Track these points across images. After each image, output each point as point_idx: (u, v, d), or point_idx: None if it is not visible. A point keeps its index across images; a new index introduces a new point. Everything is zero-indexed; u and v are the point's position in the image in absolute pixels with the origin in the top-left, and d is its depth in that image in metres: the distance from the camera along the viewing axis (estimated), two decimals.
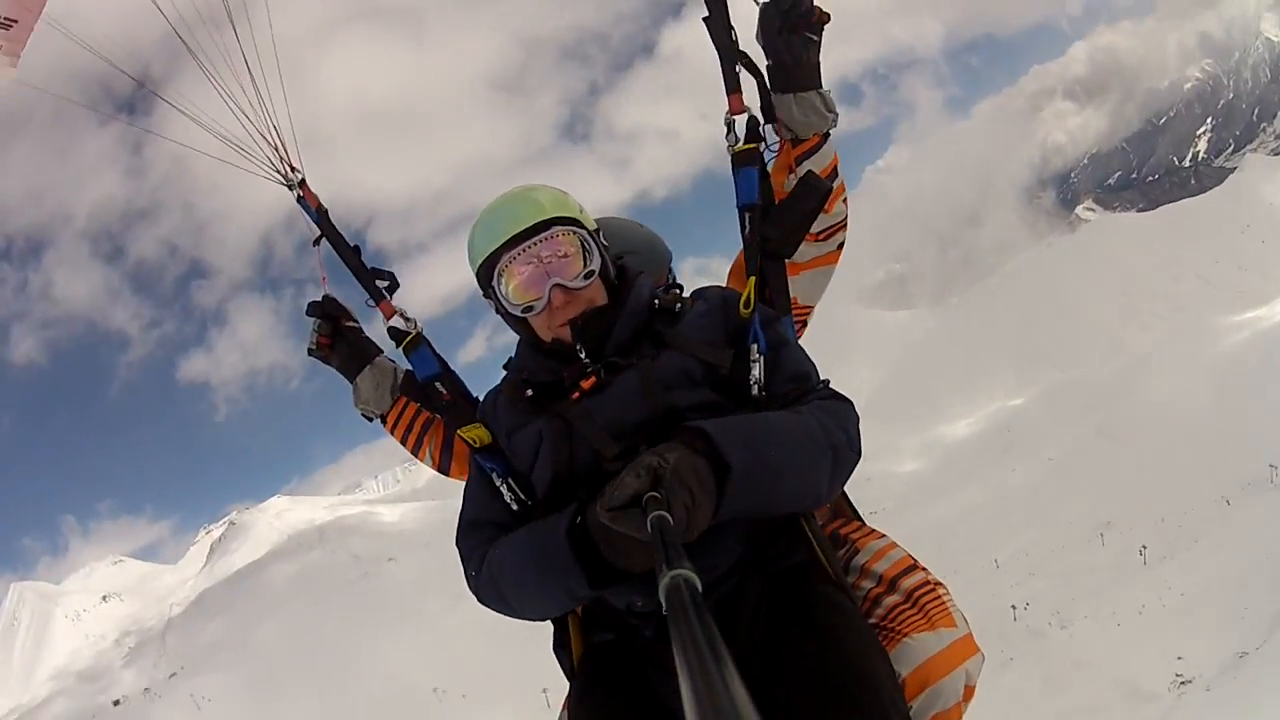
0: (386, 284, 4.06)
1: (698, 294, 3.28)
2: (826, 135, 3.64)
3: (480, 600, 3.03)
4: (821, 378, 3.12)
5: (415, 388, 3.94)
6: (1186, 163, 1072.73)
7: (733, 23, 3.54)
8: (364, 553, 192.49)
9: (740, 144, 3.47)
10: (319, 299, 4.23)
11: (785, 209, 3.44)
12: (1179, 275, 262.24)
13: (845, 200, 3.78)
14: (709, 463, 2.47)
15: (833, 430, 2.77)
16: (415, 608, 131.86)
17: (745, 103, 3.53)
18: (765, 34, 3.55)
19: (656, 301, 3.17)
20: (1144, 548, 72.66)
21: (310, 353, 4.25)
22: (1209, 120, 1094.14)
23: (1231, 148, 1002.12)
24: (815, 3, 3.53)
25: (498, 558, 2.91)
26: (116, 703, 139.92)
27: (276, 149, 4.05)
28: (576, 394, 2.97)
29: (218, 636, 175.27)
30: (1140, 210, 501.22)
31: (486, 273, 3.05)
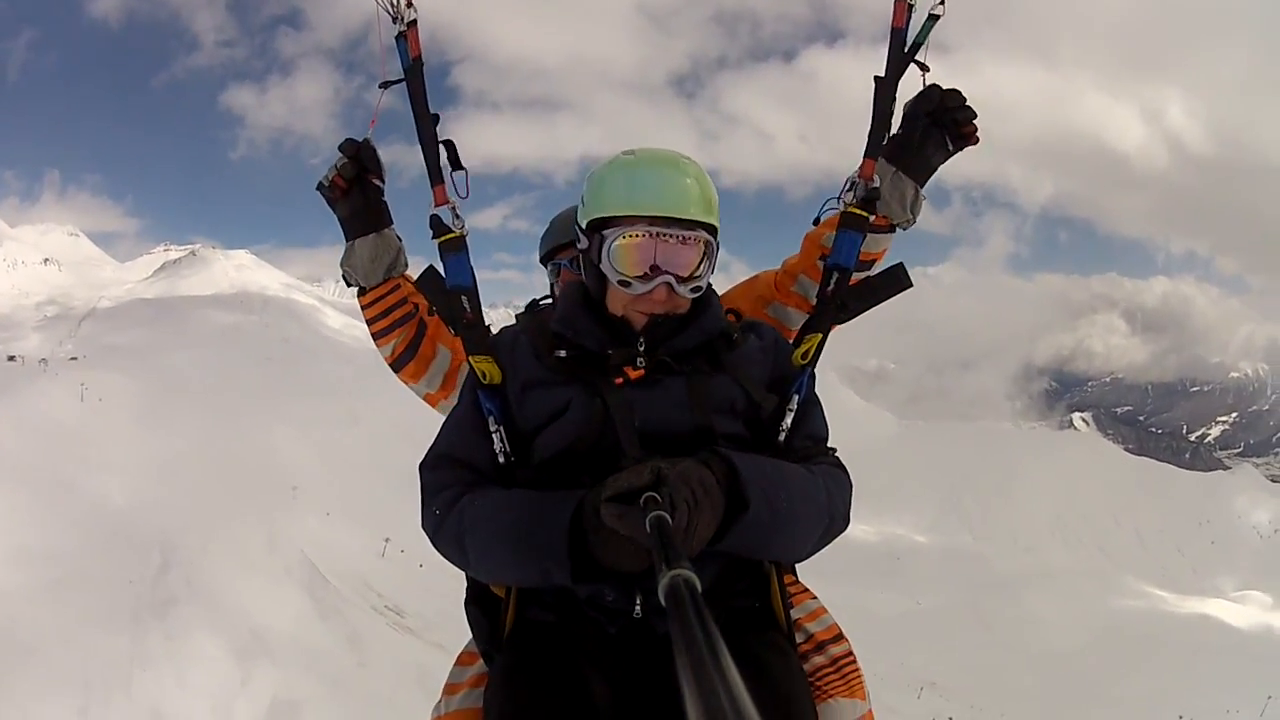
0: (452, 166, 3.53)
1: (750, 327, 3.17)
2: (893, 229, 3.67)
3: (433, 542, 2.95)
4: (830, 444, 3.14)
5: (437, 289, 3.41)
6: (1192, 438, 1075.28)
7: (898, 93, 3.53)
8: (295, 340, 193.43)
9: (855, 205, 3.39)
10: (357, 138, 3.91)
11: (871, 288, 3.42)
12: (1123, 524, 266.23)
13: None
14: (721, 485, 2.49)
15: (835, 500, 2.83)
16: (313, 412, 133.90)
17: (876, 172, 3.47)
18: (915, 108, 3.55)
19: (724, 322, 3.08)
20: (950, 718, 76.47)
21: (320, 188, 3.98)
22: (1233, 415, 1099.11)
23: (1240, 449, 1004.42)
24: (974, 123, 3.56)
25: (475, 511, 2.80)
26: (11, 359, 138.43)
27: None
28: (620, 379, 2.86)
29: (130, 343, 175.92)
30: (1126, 449, 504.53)
31: (608, 222, 2.86)
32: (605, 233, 2.82)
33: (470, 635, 3.16)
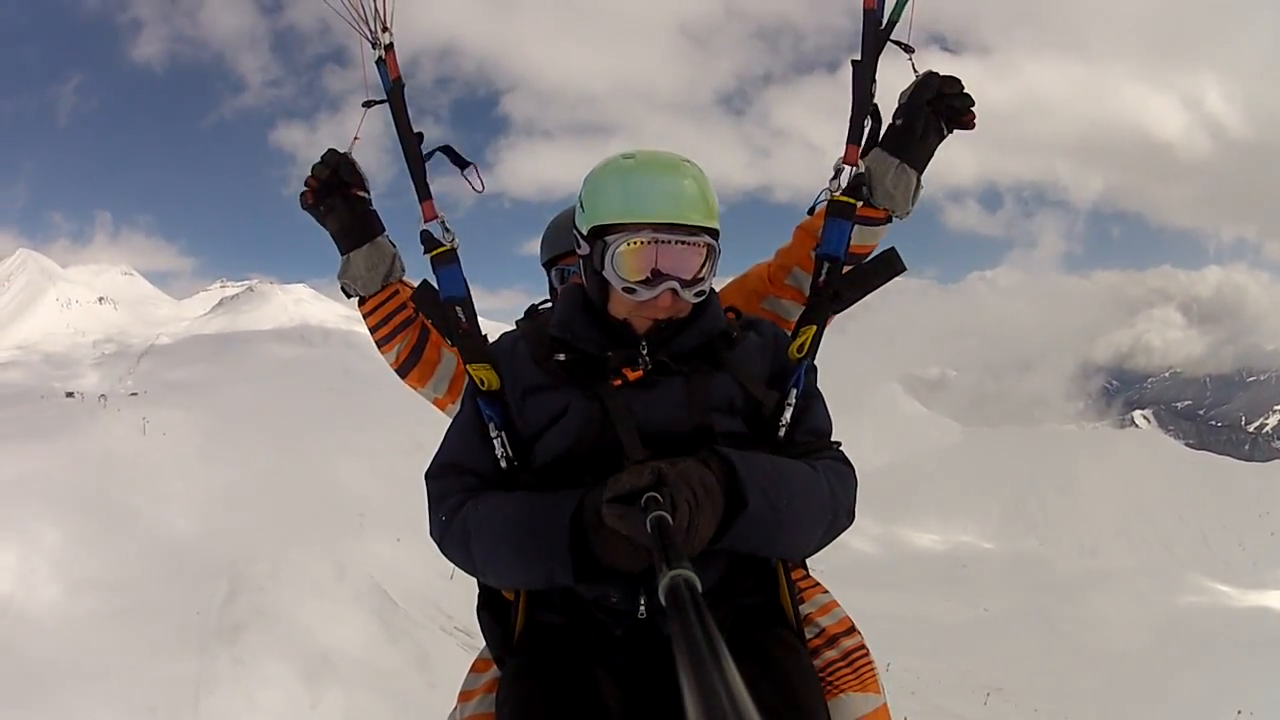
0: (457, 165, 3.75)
1: (750, 324, 3.19)
2: (890, 219, 3.65)
3: (442, 550, 2.98)
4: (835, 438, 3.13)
5: (431, 302, 3.49)
6: (1251, 428, 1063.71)
7: (877, 77, 3.55)
8: (356, 371, 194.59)
9: (841, 193, 3.41)
10: (340, 150, 4.02)
11: (864, 275, 3.43)
12: (1185, 520, 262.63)
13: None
14: (720, 483, 2.50)
15: (839, 495, 2.82)
16: (377, 441, 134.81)
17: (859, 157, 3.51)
18: (914, 97, 3.54)
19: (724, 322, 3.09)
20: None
21: (303, 204, 4.10)
22: None
23: None
24: (972, 109, 3.58)
25: (479, 515, 2.83)
26: (70, 395, 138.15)
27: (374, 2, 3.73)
28: (619, 381, 2.85)
29: (190, 379, 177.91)
30: (1187, 444, 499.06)
31: (610, 228, 2.83)
32: (608, 239, 2.82)
33: (485, 643, 3.22)
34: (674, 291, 2.77)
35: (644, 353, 2.85)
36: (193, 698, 37.27)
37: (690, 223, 2.73)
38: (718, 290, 3.45)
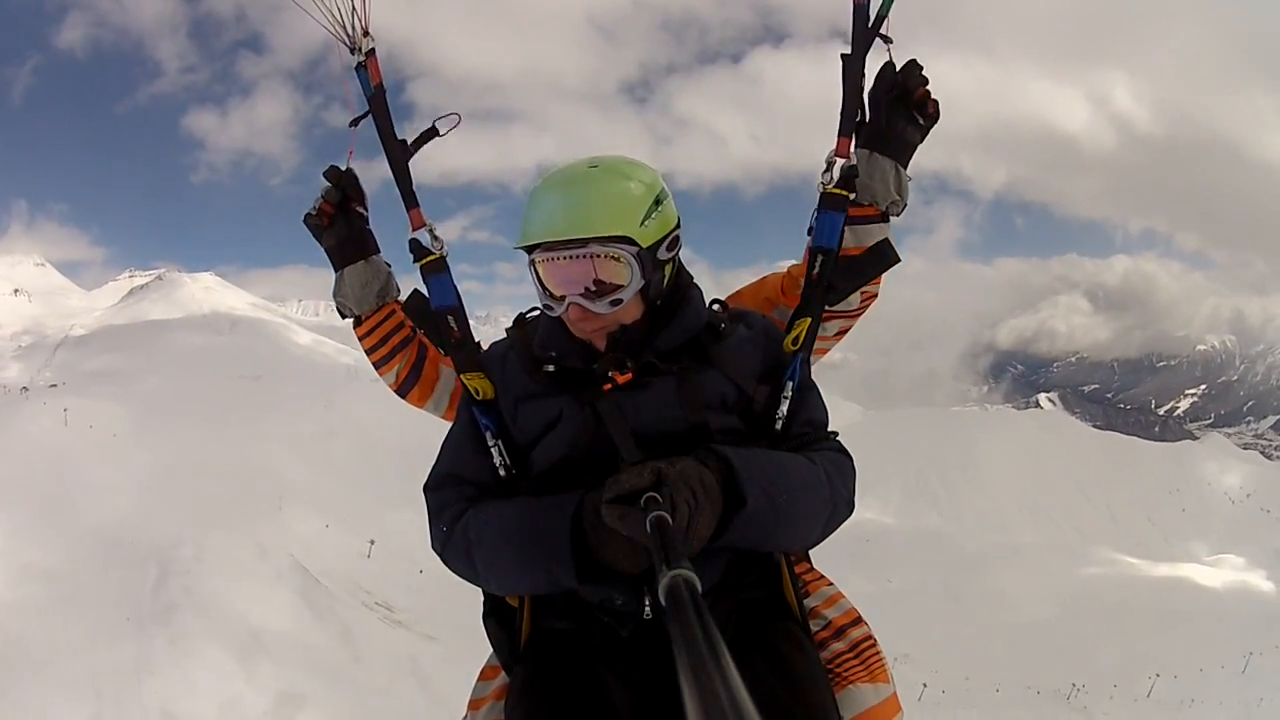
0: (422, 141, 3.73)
1: (739, 317, 3.15)
2: (885, 217, 3.56)
3: (444, 560, 2.96)
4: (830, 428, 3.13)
5: (422, 313, 3.53)
6: (1161, 411, 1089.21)
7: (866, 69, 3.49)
8: (267, 359, 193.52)
9: (833, 186, 3.35)
10: (341, 167, 3.94)
11: (857, 266, 3.38)
12: (1091, 498, 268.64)
13: (873, 298, 3.72)
14: (718, 481, 2.49)
15: (838, 485, 2.82)
16: (292, 427, 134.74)
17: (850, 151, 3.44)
18: (874, 91, 3.50)
19: (706, 316, 3.05)
20: (924, 684, 78.58)
21: (307, 219, 3.99)
22: (1203, 386, 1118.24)
23: (1210, 420, 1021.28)
24: (932, 95, 3.51)
25: (479, 524, 2.83)
26: None
27: (353, 1, 3.64)
28: (608, 385, 2.83)
29: (106, 369, 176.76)
30: (1094, 426, 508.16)
31: (528, 250, 2.87)
32: (529, 261, 2.90)
33: (491, 649, 3.25)
34: (580, 306, 2.80)
35: (627, 361, 2.87)
36: (134, 680, 38.47)
37: (571, 236, 2.72)
38: (736, 292, 3.85)
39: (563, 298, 2.80)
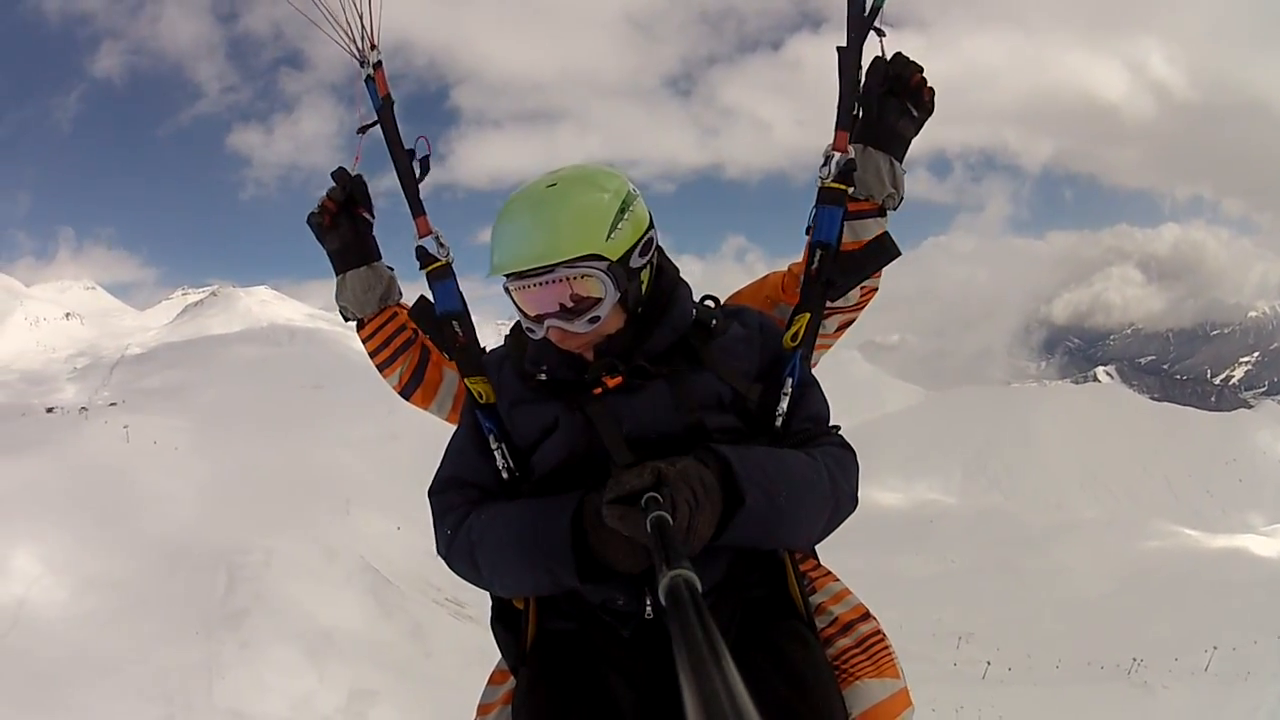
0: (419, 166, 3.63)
1: (734, 314, 3.09)
2: (883, 211, 3.46)
3: (449, 564, 2.94)
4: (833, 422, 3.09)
5: (428, 318, 3.48)
6: (1216, 380, 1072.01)
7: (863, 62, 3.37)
8: (326, 368, 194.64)
9: (831, 180, 3.24)
10: (350, 170, 3.90)
11: (856, 261, 3.32)
12: (1149, 470, 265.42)
13: (873, 293, 3.65)
14: (719, 480, 2.47)
15: (840, 481, 2.78)
16: (354, 432, 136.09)
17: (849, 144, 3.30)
18: (866, 85, 3.38)
19: (694, 314, 2.97)
20: (988, 663, 78.88)
21: (310, 220, 3.98)
22: (1255, 354, 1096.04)
23: (1265, 389, 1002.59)
24: (927, 84, 3.43)
25: (482, 525, 2.81)
26: (50, 410, 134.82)
27: (361, 17, 3.65)
28: (599, 389, 2.80)
29: (165, 385, 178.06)
30: (1152, 398, 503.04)
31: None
32: (504, 288, 2.86)
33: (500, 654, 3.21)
34: (559, 328, 2.78)
35: (618, 366, 2.84)
36: (205, 683, 39.35)
37: (536, 265, 2.69)
38: (737, 291, 3.77)
39: (541, 320, 2.79)
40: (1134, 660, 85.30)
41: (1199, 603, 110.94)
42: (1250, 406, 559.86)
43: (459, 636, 47.63)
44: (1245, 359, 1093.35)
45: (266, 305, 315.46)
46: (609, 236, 2.72)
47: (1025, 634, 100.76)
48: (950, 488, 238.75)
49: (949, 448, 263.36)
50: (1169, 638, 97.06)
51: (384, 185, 3.98)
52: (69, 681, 37.76)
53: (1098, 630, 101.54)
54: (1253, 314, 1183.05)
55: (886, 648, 2.96)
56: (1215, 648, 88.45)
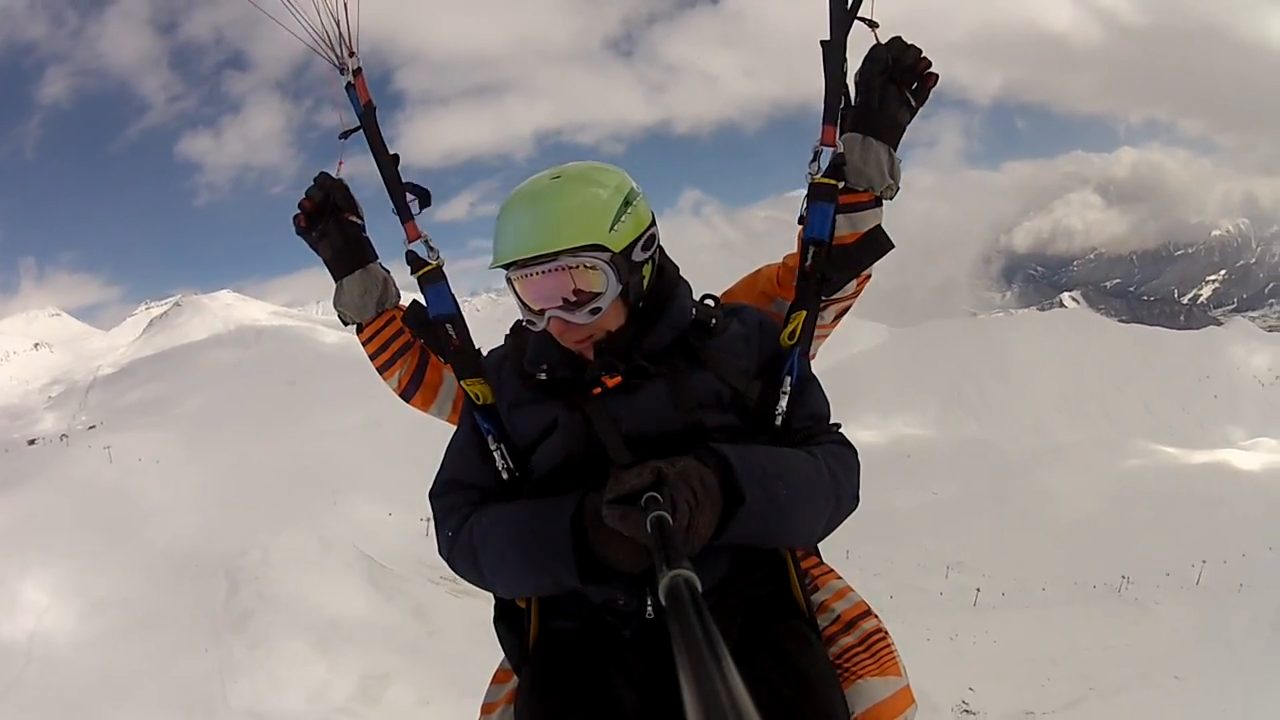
0: (416, 200, 3.60)
1: (733, 312, 3.08)
2: (879, 202, 3.41)
3: (452, 566, 2.96)
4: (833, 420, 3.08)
5: (421, 322, 3.43)
6: (1184, 300, 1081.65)
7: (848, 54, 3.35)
8: (298, 364, 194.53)
9: (821, 175, 3.23)
10: (332, 175, 3.84)
11: (850, 256, 3.29)
12: (1125, 391, 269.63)
13: (868, 279, 3.57)
14: (719, 480, 2.48)
15: (841, 480, 2.79)
16: (334, 424, 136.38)
17: (837, 138, 3.30)
18: (866, 73, 3.32)
19: (694, 312, 2.96)
20: (978, 589, 79.92)
21: (298, 231, 3.94)
22: (1222, 272, 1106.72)
23: (1234, 306, 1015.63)
24: (929, 68, 3.39)
25: (483, 526, 2.82)
26: (32, 442, 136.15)
27: (337, 24, 3.59)
28: (598, 389, 2.81)
29: (142, 401, 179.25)
30: (1120, 320, 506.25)
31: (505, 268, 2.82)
32: (506, 279, 2.88)
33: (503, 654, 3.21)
34: (560, 319, 2.80)
35: (617, 365, 2.85)
36: (220, 687, 40.01)
37: (540, 252, 2.71)
38: (730, 288, 3.74)
39: (542, 311, 2.81)
40: (1123, 579, 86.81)
41: (1185, 519, 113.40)
42: (1220, 324, 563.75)
43: (460, 612, 48.43)
44: (1212, 277, 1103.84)
45: (231, 308, 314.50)
46: (612, 228, 2.75)
47: (1014, 559, 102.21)
48: (927, 421, 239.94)
49: (924, 382, 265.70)
50: (1158, 555, 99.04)
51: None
52: (93, 707, 38.16)
53: (1085, 551, 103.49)
54: (1216, 233, 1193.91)
55: (889, 645, 2.99)
56: (1204, 561, 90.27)
